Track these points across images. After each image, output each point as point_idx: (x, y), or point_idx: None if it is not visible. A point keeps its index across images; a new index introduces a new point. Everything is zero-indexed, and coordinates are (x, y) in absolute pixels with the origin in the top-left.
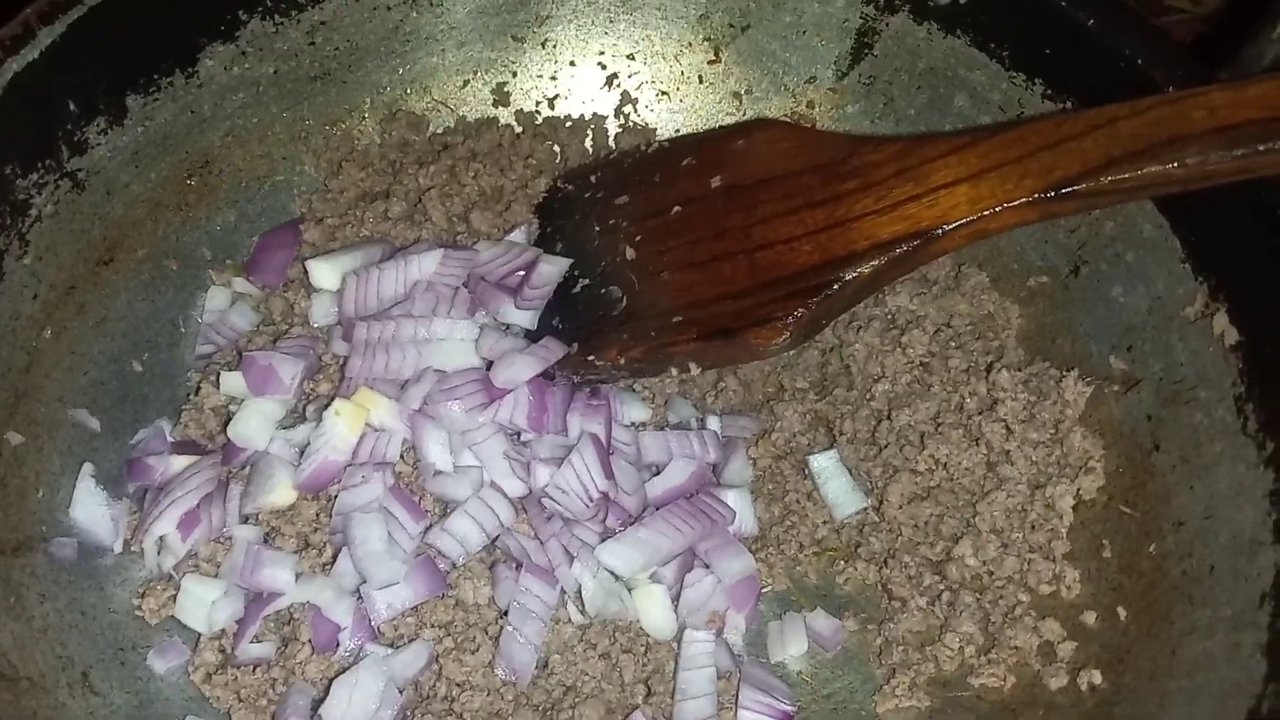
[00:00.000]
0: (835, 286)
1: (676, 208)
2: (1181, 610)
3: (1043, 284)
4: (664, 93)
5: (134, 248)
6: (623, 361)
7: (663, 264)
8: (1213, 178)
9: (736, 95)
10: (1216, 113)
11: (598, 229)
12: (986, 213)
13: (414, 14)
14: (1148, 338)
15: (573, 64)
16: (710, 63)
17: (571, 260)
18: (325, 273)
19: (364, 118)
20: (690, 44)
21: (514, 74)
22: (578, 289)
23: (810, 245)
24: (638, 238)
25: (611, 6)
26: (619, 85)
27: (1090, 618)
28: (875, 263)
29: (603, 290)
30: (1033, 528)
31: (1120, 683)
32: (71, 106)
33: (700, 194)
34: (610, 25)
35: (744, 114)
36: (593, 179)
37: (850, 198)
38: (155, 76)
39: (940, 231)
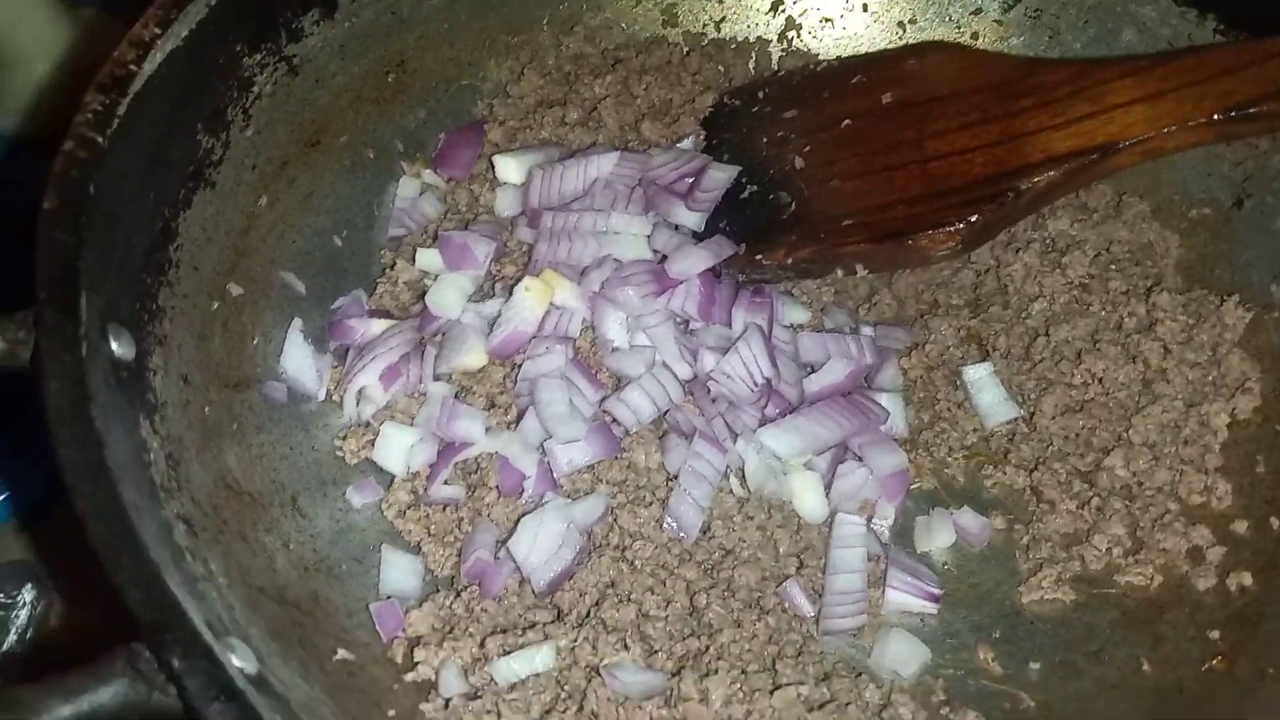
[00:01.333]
0: (1010, 195)
1: (846, 121)
2: None
3: (1205, 215)
4: (828, 19)
5: (338, 134)
6: (789, 261)
7: (833, 173)
8: None
9: (901, 25)
10: None
11: (765, 140)
12: (1165, 130)
13: None
14: None
15: None
16: None
17: (740, 167)
18: (511, 167)
19: (543, 29)
20: None
21: None
22: (746, 195)
23: (984, 157)
24: (807, 149)
25: None
26: (784, 10)
27: (1241, 526)
28: (1050, 174)
29: (771, 196)
30: (1186, 443)
31: (1271, 585)
32: None
33: (871, 109)
34: None
35: (907, 43)
36: (760, 94)
37: (1025, 114)
38: None
39: (1117, 147)
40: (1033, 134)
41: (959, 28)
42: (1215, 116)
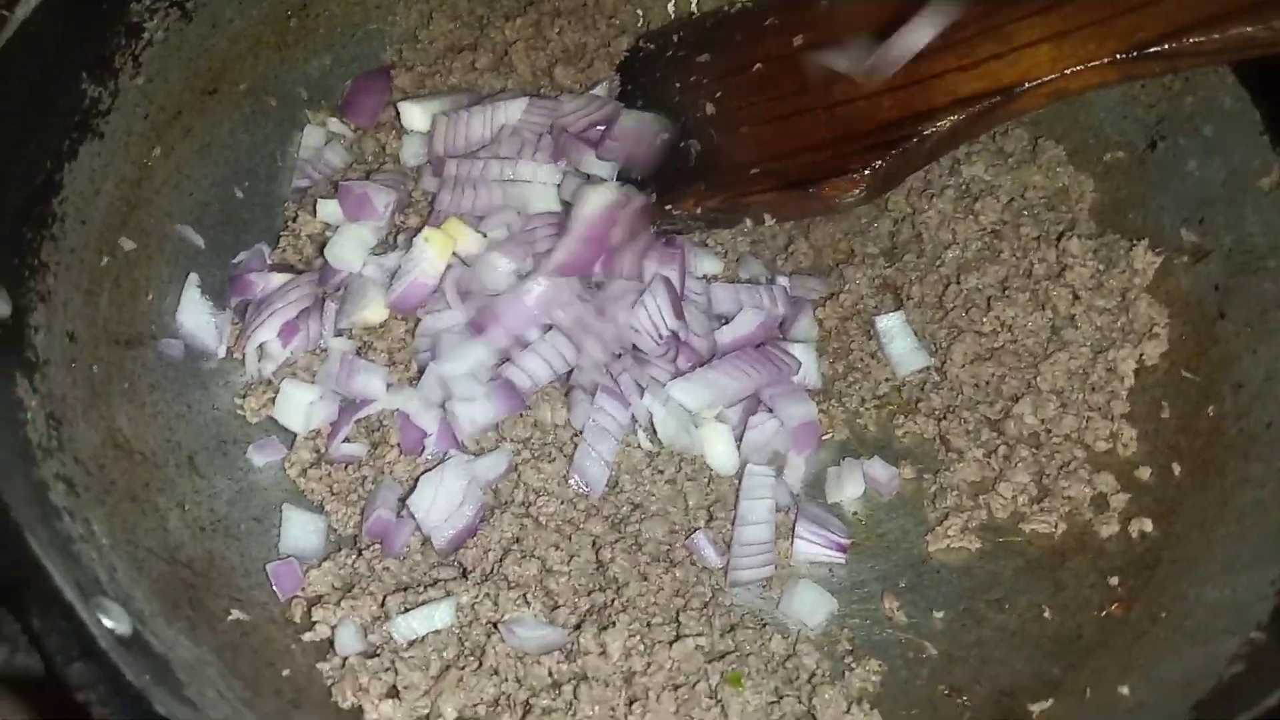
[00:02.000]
0: (913, 140)
1: (758, 65)
2: (1236, 465)
3: (1119, 159)
4: None
5: (236, 81)
6: (699, 211)
7: (742, 119)
8: None
9: None
10: None
11: (678, 86)
12: (1068, 71)
13: None
14: (1220, 210)
15: None
16: None
17: (652, 115)
18: (417, 114)
19: None
20: None
21: None
22: (657, 144)
23: (890, 101)
24: (718, 94)
25: None
26: None
27: (1145, 473)
28: (954, 118)
29: (681, 144)
30: (1093, 389)
31: (1171, 531)
32: None
33: (782, 53)
34: None
35: None
36: (674, 38)
37: (932, 56)
38: None
39: (1022, 88)
40: (939, 76)
41: None
42: (1119, 56)
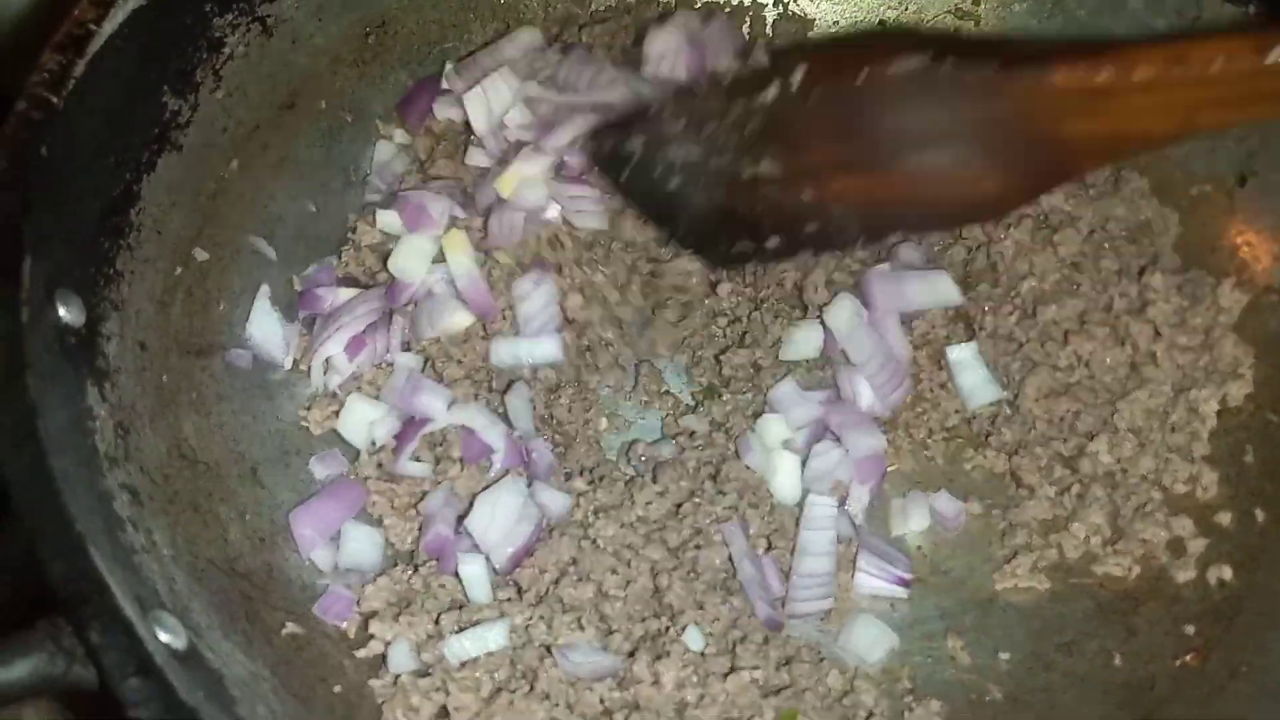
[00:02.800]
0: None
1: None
2: None
3: (1205, 192)
4: None
5: (314, 97)
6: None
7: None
8: None
9: None
10: None
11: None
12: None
13: None
14: None
15: None
16: None
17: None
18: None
19: None
20: None
21: None
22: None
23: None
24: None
25: None
26: None
27: (1225, 518)
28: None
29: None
30: (1173, 429)
31: (1253, 580)
32: None
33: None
34: None
35: (906, 8)
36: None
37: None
38: None
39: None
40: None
41: None
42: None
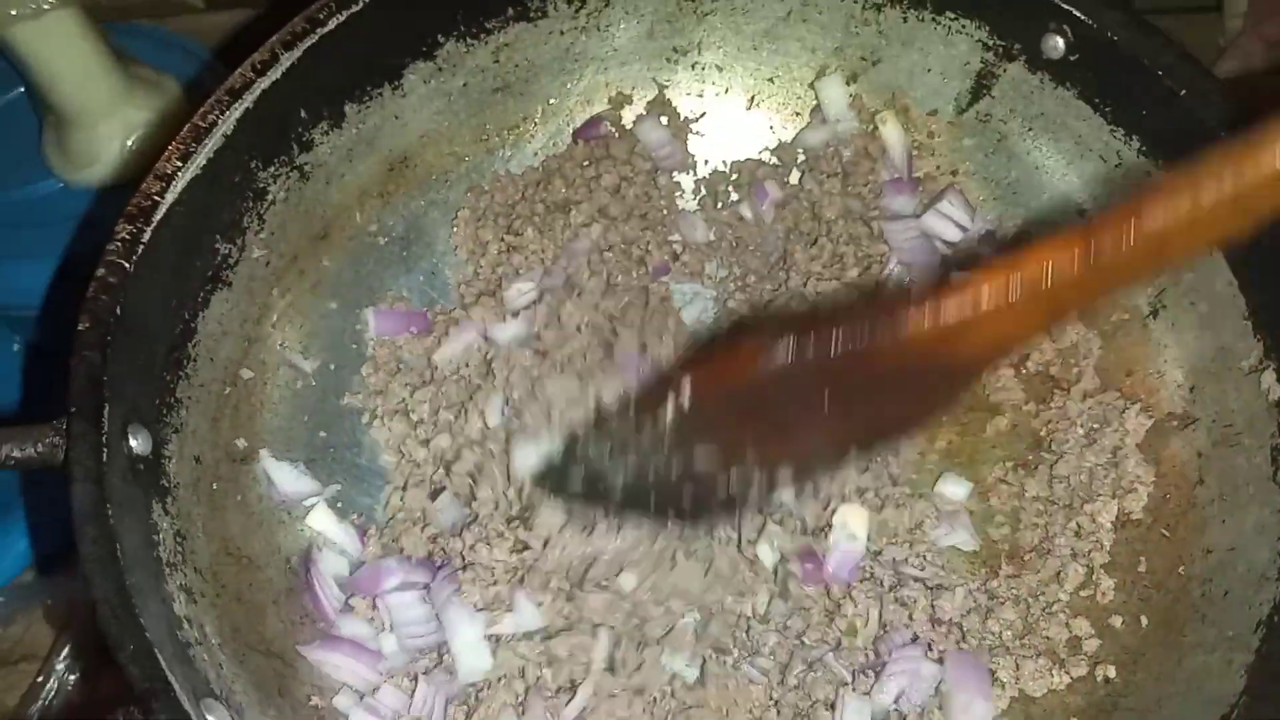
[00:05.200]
0: None
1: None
2: (1194, 626)
3: (1124, 320)
4: (798, 114)
5: (345, 226)
6: None
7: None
8: None
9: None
10: None
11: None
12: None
13: (583, 37)
14: (1209, 383)
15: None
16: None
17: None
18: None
19: (535, 124)
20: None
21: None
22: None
23: None
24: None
25: (756, 37)
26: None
27: (1117, 621)
28: None
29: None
30: (1078, 536)
31: (1131, 680)
32: (302, 113)
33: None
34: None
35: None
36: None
37: None
38: (368, 88)
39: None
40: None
41: (917, 127)
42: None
